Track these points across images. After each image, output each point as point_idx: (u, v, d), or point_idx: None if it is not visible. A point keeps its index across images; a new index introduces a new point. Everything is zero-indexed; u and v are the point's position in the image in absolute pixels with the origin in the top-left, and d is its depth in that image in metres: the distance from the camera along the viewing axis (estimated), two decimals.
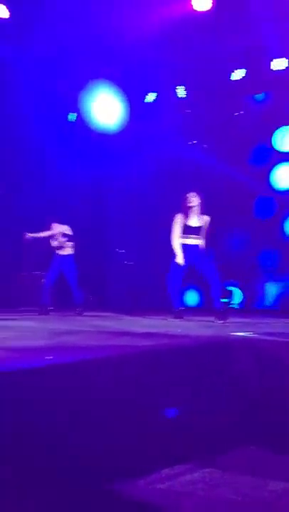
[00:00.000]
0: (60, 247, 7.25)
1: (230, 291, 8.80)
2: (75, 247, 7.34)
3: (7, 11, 7.21)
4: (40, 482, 1.59)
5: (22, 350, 2.87)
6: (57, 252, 7.29)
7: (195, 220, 6.04)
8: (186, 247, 6.00)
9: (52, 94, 8.53)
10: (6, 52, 7.83)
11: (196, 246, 6.01)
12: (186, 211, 6.04)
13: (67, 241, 7.27)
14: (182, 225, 6.02)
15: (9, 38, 7.59)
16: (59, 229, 7.27)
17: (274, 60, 8.08)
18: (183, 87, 8.58)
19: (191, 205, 6.02)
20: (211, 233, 6.16)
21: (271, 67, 8.15)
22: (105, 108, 8.72)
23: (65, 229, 7.30)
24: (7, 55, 7.84)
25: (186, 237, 6.02)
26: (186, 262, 5.98)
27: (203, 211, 6.11)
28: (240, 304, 9.05)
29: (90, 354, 2.80)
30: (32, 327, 4.77)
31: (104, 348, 3.12)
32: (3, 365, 2.38)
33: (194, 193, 6.08)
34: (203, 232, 6.07)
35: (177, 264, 5.97)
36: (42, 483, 1.59)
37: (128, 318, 6.43)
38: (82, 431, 1.95)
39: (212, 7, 6.97)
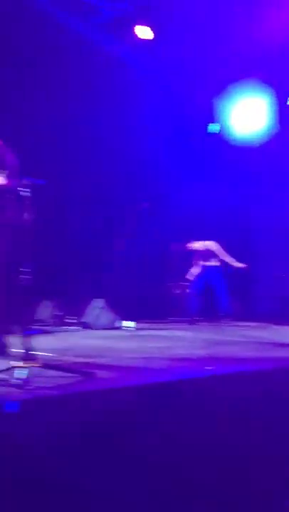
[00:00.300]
0: (208, 260, 7.32)
1: None
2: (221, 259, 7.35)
3: (151, 32, 7.47)
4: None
5: (183, 359, 2.92)
6: (204, 263, 7.35)
7: None
8: None
9: (192, 104, 8.62)
10: (146, 69, 8.15)
11: None
12: None
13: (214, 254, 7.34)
14: None
15: (150, 55, 7.89)
16: (206, 245, 7.37)
17: None
18: None
19: None
20: None
21: None
22: (249, 115, 8.57)
23: (210, 244, 7.38)
24: (147, 71, 8.15)
25: None
26: None
27: None
28: None
29: (250, 365, 2.75)
30: (186, 337, 4.85)
31: (263, 360, 3.04)
32: (169, 374, 2.45)
33: None
34: None
35: None
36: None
37: (278, 328, 6.20)
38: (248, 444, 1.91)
39: None
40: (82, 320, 6.12)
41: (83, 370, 2.34)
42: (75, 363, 2.80)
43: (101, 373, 2.41)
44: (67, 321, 6.40)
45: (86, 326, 5.98)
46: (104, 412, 1.93)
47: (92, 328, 5.86)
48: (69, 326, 6.31)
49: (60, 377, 2.31)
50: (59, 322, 6.24)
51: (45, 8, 6.58)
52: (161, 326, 6.28)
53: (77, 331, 5.90)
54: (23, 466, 1.68)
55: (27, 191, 2.42)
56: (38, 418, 1.77)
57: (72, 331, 5.89)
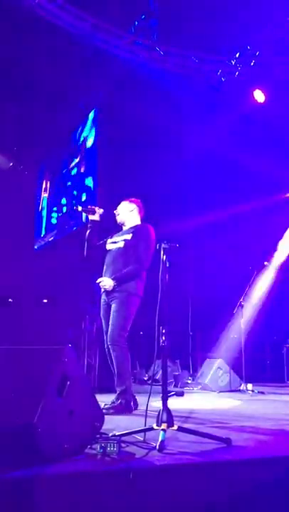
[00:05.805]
0: None
1: None
2: None
3: (263, 95, 7.60)
4: None
5: None
6: None
7: None
8: None
9: None
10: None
11: None
12: None
13: None
14: None
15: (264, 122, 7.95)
16: None
17: None
18: None
19: None
20: None
21: None
22: None
23: None
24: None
25: None
26: None
27: None
28: None
29: None
30: None
31: None
32: None
33: None
34: None
35: None
36: None
37: None
38: None
39: None
40: (201, 381, 6.01)
41: (219, 436, 2.26)
42: (208, 427, 2.72)
43: (237, 440, 2.31)
44: (186, 381, 6.33)
45: (205, 387, 5.85)
46: (247, 483, 1.84)
47: (212, 390, 5.71)
48: (188, 386, 6.23)
49: (197, 442, 2.25)
50: (177, 382, 6.19)
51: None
52: (282, 390, 5.94)
53: (197, 392, 5.79)
54: None
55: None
56: (184, 486, 1.73)
57: (191, 392, 5.79)
